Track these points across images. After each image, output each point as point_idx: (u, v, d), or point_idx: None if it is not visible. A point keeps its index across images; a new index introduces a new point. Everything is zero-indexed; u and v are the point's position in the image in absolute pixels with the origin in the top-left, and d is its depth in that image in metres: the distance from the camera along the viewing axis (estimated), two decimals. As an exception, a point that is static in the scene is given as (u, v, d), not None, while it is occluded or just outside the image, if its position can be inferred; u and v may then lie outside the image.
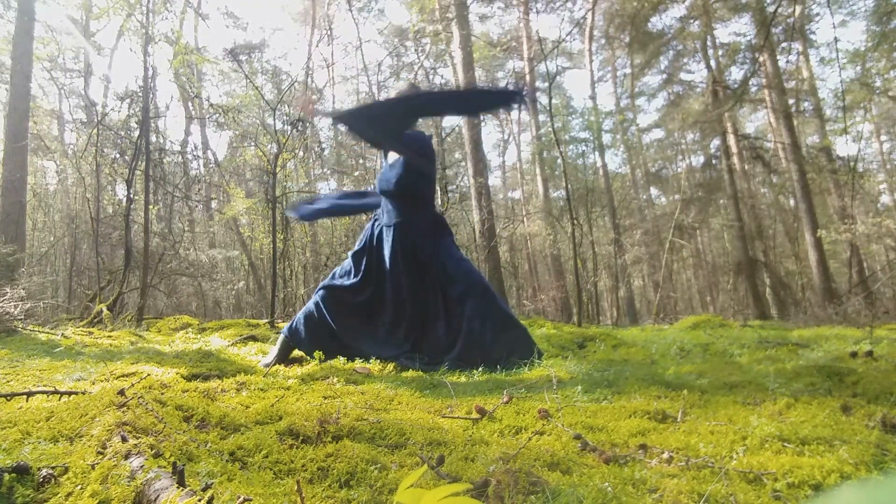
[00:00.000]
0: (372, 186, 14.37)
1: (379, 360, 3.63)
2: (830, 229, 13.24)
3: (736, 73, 17.77)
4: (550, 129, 13.41)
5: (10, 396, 1.95)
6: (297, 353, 3.92)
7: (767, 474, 1.47)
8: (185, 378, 2.93)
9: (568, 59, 24.79)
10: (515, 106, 3.46)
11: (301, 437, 1.63)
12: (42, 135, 15.56)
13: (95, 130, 9.91)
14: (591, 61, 21.19)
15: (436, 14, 16.90)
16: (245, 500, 1.01)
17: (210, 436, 1.59)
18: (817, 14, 15.56)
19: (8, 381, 2.71)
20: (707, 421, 2.04)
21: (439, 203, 13.84)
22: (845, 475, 1.46)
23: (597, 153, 21.09)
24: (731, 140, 16.82)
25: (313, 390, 2.66)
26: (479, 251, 12.82)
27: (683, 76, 20.77)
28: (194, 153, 16.62)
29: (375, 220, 4.03)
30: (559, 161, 13.24)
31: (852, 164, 13.50)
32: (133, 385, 2.29)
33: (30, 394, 1.99)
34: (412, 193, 3.87)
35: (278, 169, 9.43)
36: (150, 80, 8.69)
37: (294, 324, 3.87)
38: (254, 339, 5.11)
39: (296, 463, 1.42)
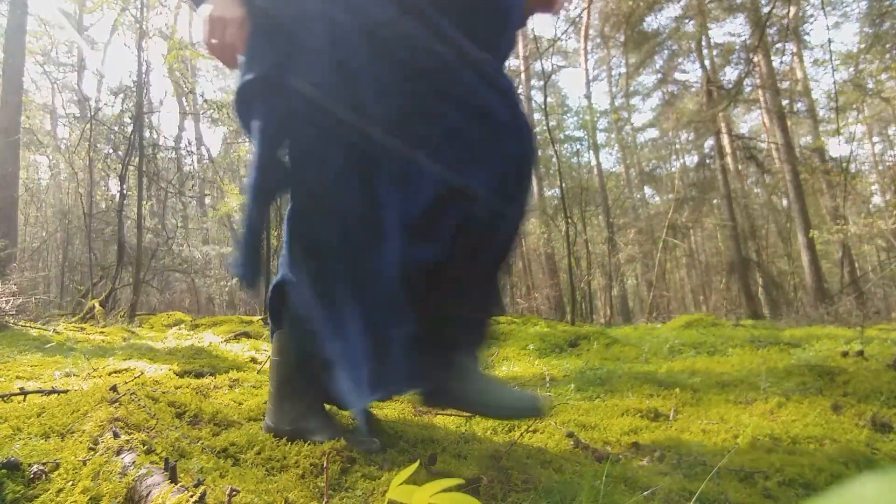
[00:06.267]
0: None
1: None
2: (823, 230, 13.31)
3: (730, 74, 17.84)
4: (545, 127, 13.43)
5: (6, 397, 1.94)
6: None
7: (759, 472, 1.48)
8: (177, 374, 2.92)
9: (563, 58, 24.80)
10: None
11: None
12: (34, 129, 15.46)
13: (89, 125, 9.86)
14: (586, 60, 21.21)
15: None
16: (233, 491, 1.00)
17: (202, 432, 1.59)
18: (811, 16, 15.63)
19: (-1, 377, 2.70)
20: (699, 419, 2.05)
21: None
22: (836, 474, 1.47)
23: (591, 152, 21.15)
24: (725, 140, 16.87)
25: (306, 387, 2.66)
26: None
27: (678, 76, 20.82)
28: (188, 149, 16.53)
29: None
30: (554, 160, 13.28)
31: (845, 164, 13.57)
32: (125, 382, 2.28)
33: (25, 393, 1.98)
34: None
35: (272, 165, 9.38)
36: (144, 76, 8.65)
37: None
38: (247, 335, 5.09)
39: (288, 459, 1.42)
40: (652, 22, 17.88)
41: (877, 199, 22.21)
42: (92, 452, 1.23)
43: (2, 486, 1.11)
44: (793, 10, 12.99)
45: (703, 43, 17.04)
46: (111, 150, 10.39)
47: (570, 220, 11.33)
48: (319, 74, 1.26)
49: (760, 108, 17.41)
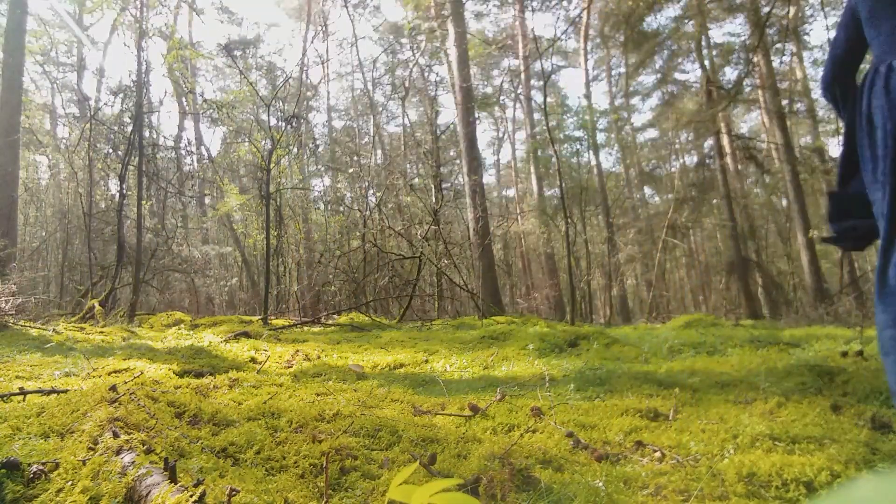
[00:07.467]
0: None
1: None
2: (822, 229, 13.30)
3: (730, 74, 17.87)
4: (545, 127, 13.43)
5: (6, 397, 1.94)
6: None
7: (758, 472, 1.48)
8: (177, 374, 2.92)
9: (563, 58, 24.80)
10: None
11: (294, 433, 1.62)
12: (34, 129, 15.45)
13: (88, 125, 9.86)
14: (586, 60, 21.19)
15: (431, 11, 16.88)
16: (233, 491, 1.00)
17: (202, 432, 1.58)
18: (811, 16, 15.64)
19: (-2, 377, 2.69)
20: (699, 419, 2.05)
21: (433, 200, 13.83)
22: (835, 473, 1.47)
23: (591, 152, 21.14)
24: (725, 140, 16.87)
25: (306, 388, 2.66)
26: (472, 249, 12.82)
27: (678, 76, 20.82)
28: (188, 149, 16.54)
29: None
30: (553, 160, 13.28)
31: (844, 164, 13.51)
32: (125, 381, 2.28)
33: (25, 393, 1.98)
34: None
35: (272, 165, 9.40)
36: (143, 75, 8.65)
37: None
38: (246, 335, 5.09)
39: (288, 459, 1.42)
40: (652, 22, 17.89)
41: (876, 199, 22.16)
42: (91, 452, 1.23)
43: (2, 486, 1.11)
44: (792, 10, 13.00)
45: (703, 43, 17.03)
46: (111, 150, 10.39)
47: (569, 220, 11.33)
48: None
49: (760, 108, 17.42)
